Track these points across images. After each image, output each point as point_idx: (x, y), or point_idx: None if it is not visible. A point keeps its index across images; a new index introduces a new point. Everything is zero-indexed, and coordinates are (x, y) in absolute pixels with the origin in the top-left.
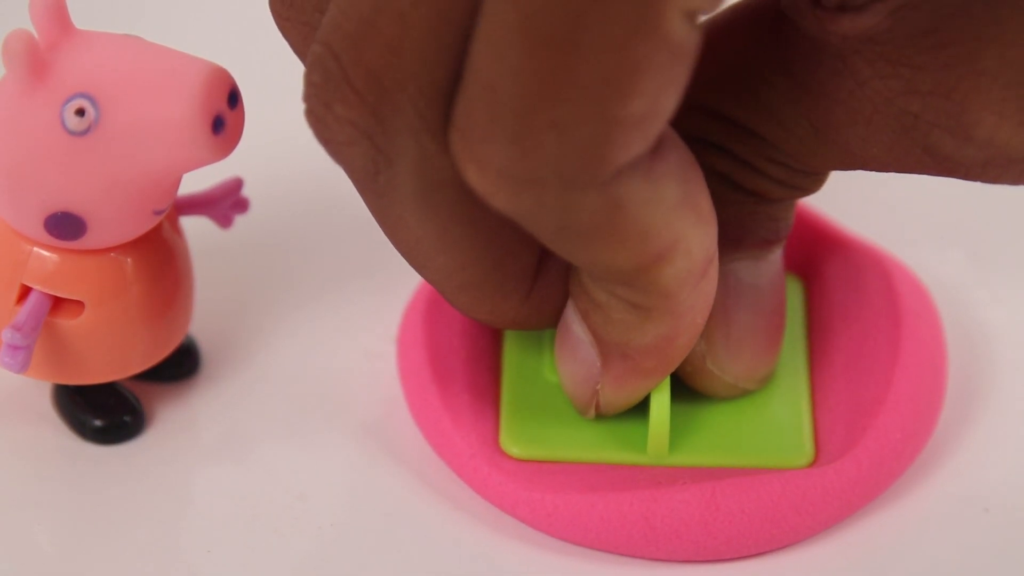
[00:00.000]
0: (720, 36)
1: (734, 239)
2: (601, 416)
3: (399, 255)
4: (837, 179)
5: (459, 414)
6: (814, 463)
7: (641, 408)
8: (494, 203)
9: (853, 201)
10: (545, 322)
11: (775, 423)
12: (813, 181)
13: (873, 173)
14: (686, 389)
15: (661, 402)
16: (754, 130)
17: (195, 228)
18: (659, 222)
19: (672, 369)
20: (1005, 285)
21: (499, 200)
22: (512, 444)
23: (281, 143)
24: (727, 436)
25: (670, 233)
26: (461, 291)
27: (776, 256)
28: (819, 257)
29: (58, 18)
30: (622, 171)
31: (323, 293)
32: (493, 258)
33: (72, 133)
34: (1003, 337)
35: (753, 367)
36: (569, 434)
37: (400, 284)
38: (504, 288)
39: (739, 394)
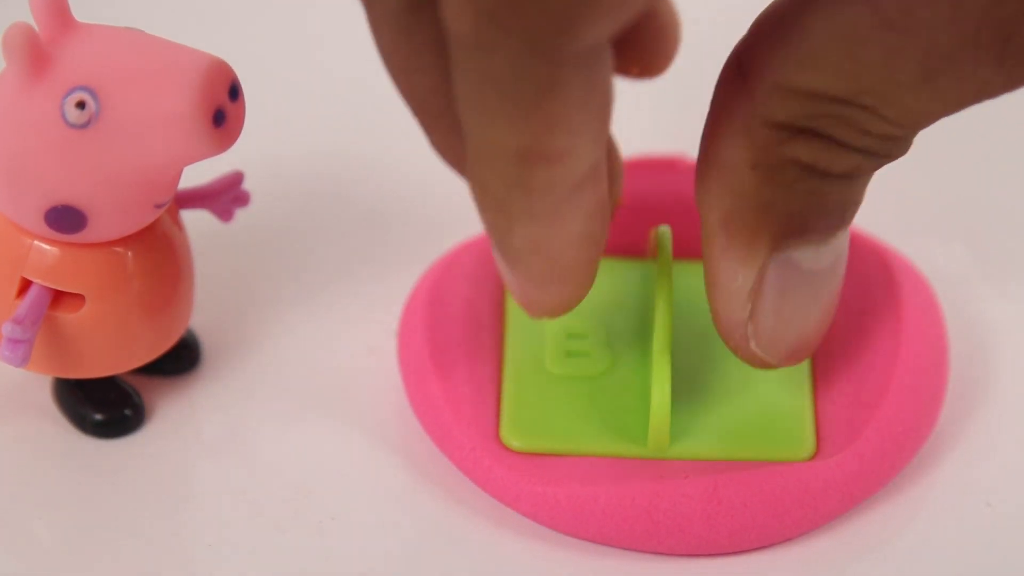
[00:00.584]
0: (805, 9)
1: (799, 227)
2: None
3: (399, 252)
4: None
5: (459, 407)
6: (815, 456)
7: (642, 401)
8: (455, 25)
9: None
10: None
11: (777, 416)
12: (902, 145)
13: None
14: (687, 382)
15: (662, 395)
16: (852, 100)
17: (196, 222)
18: (575, 121)
19: (572, 277)
20: (1008, 279)
21: (461, 23)
22: (512, 437)
23: (282, 136)
24: (728, 429)
25: (573, 139)
26: (434, 120)
27: (840, 240)
28: None
29: (58, 11)
30: (573, 58)
31: (324, 287)
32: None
33: (72, 126)
34: (1006, 331)
35: (796, 351)
36: (569, 427)
37: (402, 278)
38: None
39: (768, 367)
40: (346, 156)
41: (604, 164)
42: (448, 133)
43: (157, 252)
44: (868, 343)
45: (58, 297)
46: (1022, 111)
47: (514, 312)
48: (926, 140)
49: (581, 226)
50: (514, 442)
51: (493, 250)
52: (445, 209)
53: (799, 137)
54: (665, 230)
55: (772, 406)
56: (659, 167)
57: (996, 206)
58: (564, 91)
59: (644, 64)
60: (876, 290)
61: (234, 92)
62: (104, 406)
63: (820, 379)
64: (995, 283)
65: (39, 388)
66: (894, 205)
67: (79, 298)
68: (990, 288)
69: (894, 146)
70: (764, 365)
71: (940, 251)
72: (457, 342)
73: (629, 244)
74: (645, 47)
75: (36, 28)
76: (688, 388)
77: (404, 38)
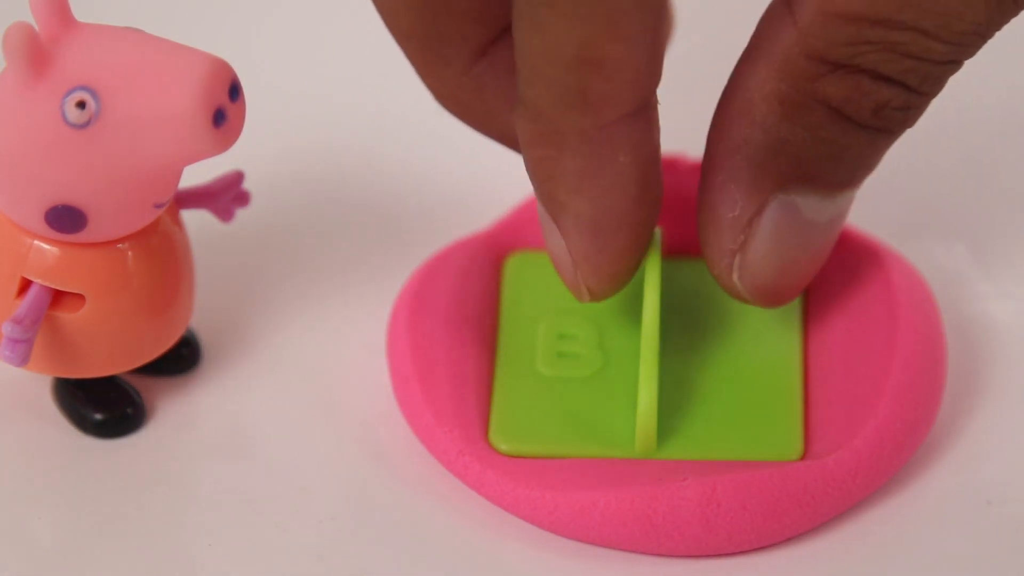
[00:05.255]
0: None
1: (807, 173)
2: (596, 299)
3: (400, 251)
4: None
5: (442, 408)
6: (804, 455)
7: (631, 402)
8: None
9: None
10: (479, 114)
11: (766, 416)
12: (942, 75)
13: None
14: (677, 382)
15: (648, 397)
16: (895, 17)
17: (196, 222)
18: (632, 21)
19: (623, 231)
20: (1007, 277)
21: None
22: (501, 440)
23: (282, 136)
24: (717, 429)
25: (630, 47)
26: (406, 40)
27: (844, 199)
28: None
29: (59, 11)
30: None
31: (324, 287)
32: (434, 10)
33: (73, 126)
34: (1005, 329)
35: (774, 294)
36: (557, 430)
37: (402, 277)
38: (444, 50)
39: (743, 301)
40: (346, 156)
41: (656, 115)
42: (426, 55)
43: (157, 252)
44: (863, 341)
45: (58, 297)
46: (1022, 110)
47: (507, 313)
48: (926, 139)
49: (633, 166)
50: (502, 445)
51: (539, 210)
52: (446, 209)
53: (836, 73)
54: (656, 232)
55: (761, 406)
56: (665, 168)
57: (994, 205)
58: None
59: None
60: (871, 288)
61: (234, 92)
62: (104, 406)
63: (815, 378)
64: (995, 282)
65: (39, 388)
66: (893, 204)
67: (79, 298)
68: (990, 287)
69: (934, 76)
70: (739, 298)
71: (938, 250)
72: (441, 343)
73: None
74: None
75: (36, 28)
76: (678, 388)
77: None
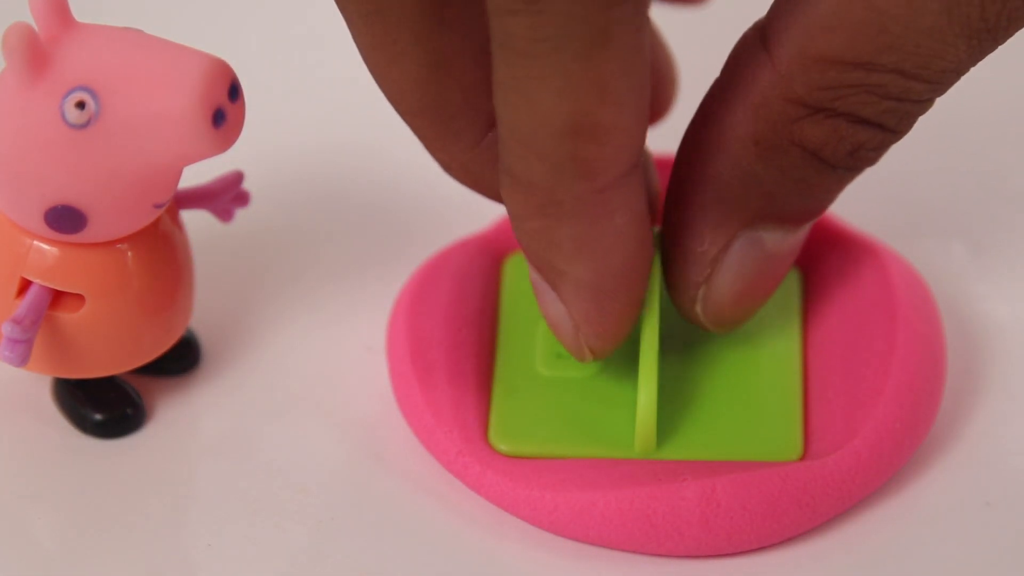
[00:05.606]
0: None
1: (777, 210)
2: (598, 357)
3: (400, 251)
4: None
5: (440, 409)
6: (804, 455)
7: (630, 402)
8: None
9: (854, 196)
10: (491, 183)
11: (765, 416)
12: (917, 112)
13: (874, 167)
14: (676, 382)
15: (648, 396)
16: (875, 61)
17: (196, 222)
18: (621, 88)
19: (624, 287)
20: (1006, 277)
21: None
22: (500, 441)
23: (282, 137)
24: (716, 429)
25: (620, 112)
26: (414, 117)
27: (802, 233)
28: (817, 249)
29: (58, 11)
30: (621, 8)
31: (324, 287)
32: (442, 86)
33: (72, 126)
34: (1005, 329)
35: (733, 321)
36: (556, 430)
37: (402, 277)
38: (454, 124)
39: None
40: (346, 156)
41: (644, 167)
42: (435, 130)
43: (157, 252)
44: (863, 341)
45: (58, 297)
46: (1021, 109)
47: (507, 314)
48: (926, 139)
49: (629, 225)
50: (502, 446)
51: (532, 276)
52: (446, 209)
53: (815, 116)
54: (656, 232)
55: (760, 406)
56: (658, 167)
57: (994, 205)
58: (613, 45)
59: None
60: (871, 288)
61: (234, 92)
62: (104, 406)
63: (815, 378)
64: (994, 283)
65: (39, 388)
66: (893, 204)
67: (79, 298)
68: (989, 288)
69: (910, 114)
70: (697, 324)
71: (938, 250)
72: (440, 343)
73: None
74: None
75: (36, 28)
76: (677, 389)
77: (376, 23)
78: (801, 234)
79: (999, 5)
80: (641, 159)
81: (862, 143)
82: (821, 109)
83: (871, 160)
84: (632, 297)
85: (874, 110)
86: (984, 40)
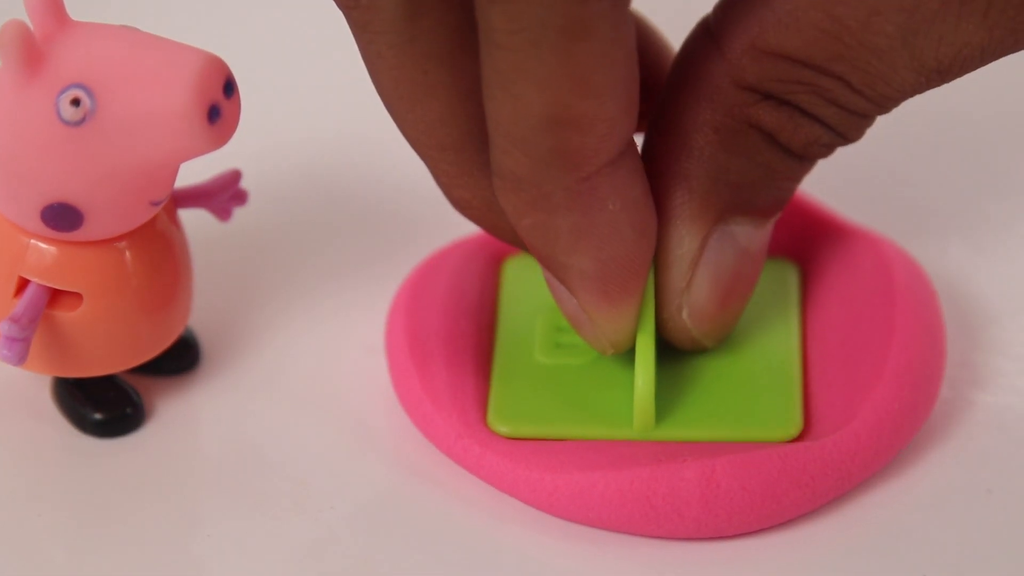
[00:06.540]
0: None
1: (745, 201)
2: (618, 349)
3: (399, 249)
4: (837, 168)
5: (439, 394)
6: (803, 436)
7: (628, 384)
8: None
9: (854, 194)
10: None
11: (764, 397)
12: (862, 126)
13: (872, 165)
14: (674, 363)
15: (646, 375)
16: (825, 67)
17: (194, 220)
18: (601, 80)
19: (629, 273)
20: (1006, 276)
21: None
22: (499, 422)
23: (279, 134)
24: (715, 409)
25: (601, 103)
26: (441, 153)
27: (769, 227)
28: (815, 242)
29: (53, 9)
30: (600, 4)
31: (322, 285)
32: (472, 117)
33: (68, 123)
34: (1005, 319)
35: (720, 327)
36: (556, 411)
37: (402, 276)
38: (481, 157)
39: (694, 348)
40: (344, 153)
41: (637, 155)
42: (461, 166)
43: (155, 250)
44: (862, 326)
45: (56, 296)
46: (1020, 109)
47: (505, 311)
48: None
49: (624, 211)
50: (501, 427)
51: (545, 275)
52: (446, 209)
53: (767, 102)
54: None
55: (760, 388)
56: None
57: (994, 205)
58: (591, 38)
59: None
60: (869, 276)
61: (229, 88)
62: (104, 405)
63: (813, 361)
64: (994, 272)
65: (38, 388)
66: (893, 204)
67: (77, 296)
68: (988, 277)
69: (854, 125)
70: (688, 339)
71: (938, 249)
72: (439, 332)
73: None
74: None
75: (31, 25)
76: (676, 369)
77: (407, 55)
78: (766, 232)
79: (954, 50)
80: (632, 144)
81: (815, 137)
82: (772, 97)
83: (824, 155)
84: (638, 283)
85: (822, 111)
86: (932, 79)
